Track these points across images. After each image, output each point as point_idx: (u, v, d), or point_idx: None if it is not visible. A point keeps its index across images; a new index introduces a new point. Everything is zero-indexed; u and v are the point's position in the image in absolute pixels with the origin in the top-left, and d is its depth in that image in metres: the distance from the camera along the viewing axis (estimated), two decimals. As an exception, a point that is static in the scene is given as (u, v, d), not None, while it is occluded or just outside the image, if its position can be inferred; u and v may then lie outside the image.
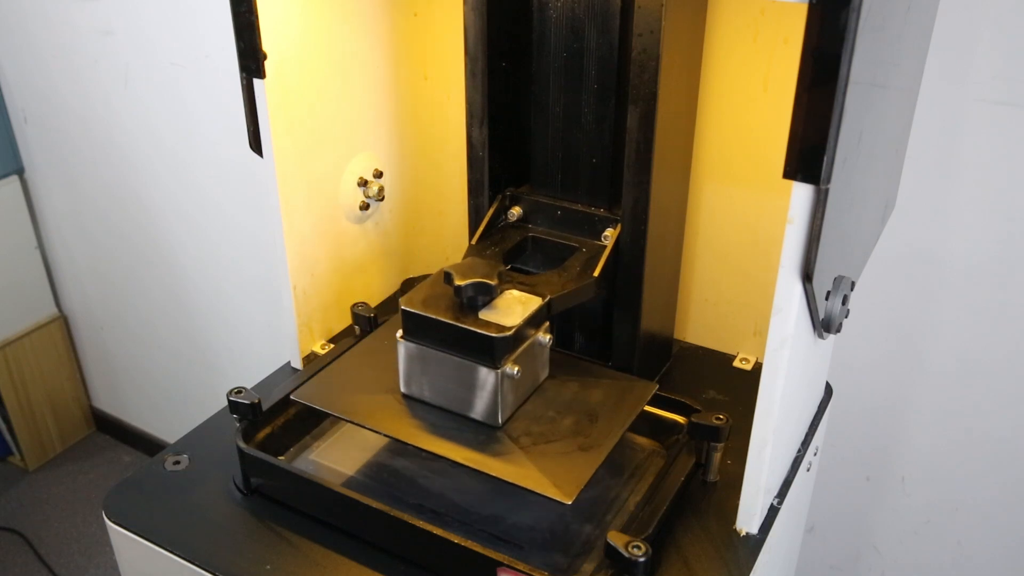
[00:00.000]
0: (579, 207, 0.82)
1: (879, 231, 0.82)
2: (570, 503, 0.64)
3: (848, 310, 0.64)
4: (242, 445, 0.72)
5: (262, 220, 1.50)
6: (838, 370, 1.00)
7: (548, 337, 0.73)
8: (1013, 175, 0.91)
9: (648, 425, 0.79)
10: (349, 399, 0.74)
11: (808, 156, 0.51)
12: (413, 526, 0.67)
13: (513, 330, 0.67)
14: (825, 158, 0.51)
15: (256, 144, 0.78)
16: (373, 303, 0.98)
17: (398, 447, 0.79)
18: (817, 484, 0.99)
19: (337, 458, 0.79)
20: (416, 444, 0.70)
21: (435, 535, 0.66)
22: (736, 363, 0.93)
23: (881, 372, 1.08)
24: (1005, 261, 0.95)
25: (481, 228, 0.82)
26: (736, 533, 0.69)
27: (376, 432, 0.72)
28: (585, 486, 0.65)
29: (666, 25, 0.69)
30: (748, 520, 0.69)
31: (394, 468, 0.78)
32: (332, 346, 0.91)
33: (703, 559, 0.67)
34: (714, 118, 0.85)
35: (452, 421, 0.71)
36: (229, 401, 0.75)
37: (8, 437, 2.04)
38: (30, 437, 2.05)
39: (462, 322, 0.68)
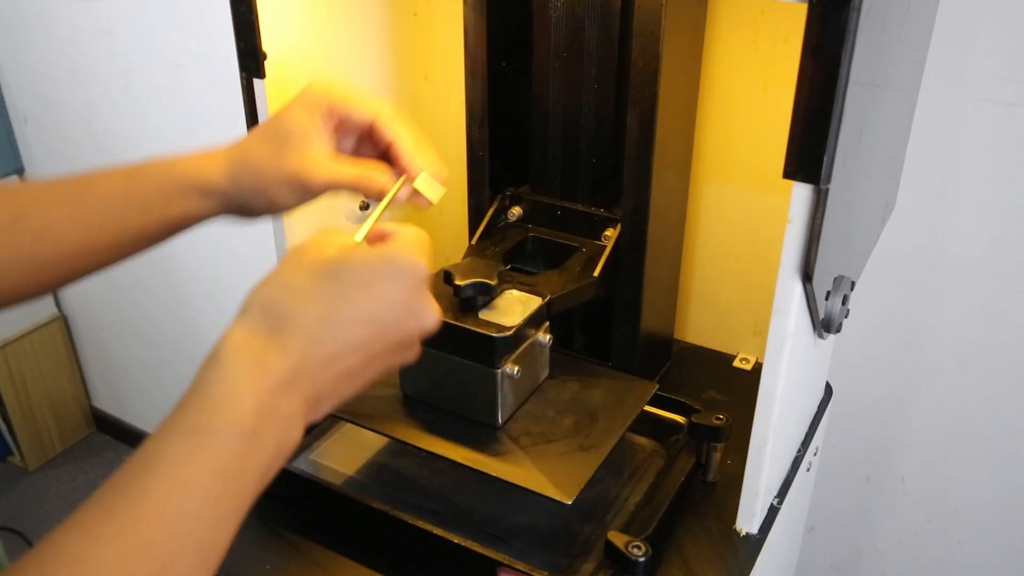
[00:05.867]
0: (579, 207, 0.82)
1: (879, 231, 0.82)
2: (570, 503, 0.64)
3: (848, 310, 0.64)
4: (242, 445, 0.72)
5: (262, 220, 1.50)
6: (838, 370, 1.00)
7: (548, 337, 0.73)
8: (1013, 175, 0.91)
9: (648, 425, 0.79)
10: (349, 399, 0.74)
11: (808, 156, 0.51)
12: (413, 526, 0.67)
13: (513, 330, 0.67)
14: (825, 158, 0.51)
15: (256, 144, 0.78)
16: (373, 303, 0.98)
17: (398, 447, 0.79)
18: (817, 484, 0.99)
19: (337, 458, 0.79)
20: (416, 444, 0.70)
21: (435, 535, 0.66)
22: (736, 363, 0.93)
23: (881, 372, 1.08)
24: (1005, 261, 0.95)
25: (481, 228, 0.82)
26: (736, 533, 0.69)
27: (376, 432, 0.72)
28: (585, 486, 0.65)
29: (666, 25, 0.69)
30: (748, 520, 0.69)
31: (394, 468, 0.78)
32: (332, 346, 0.90)
33: (703, 559, 0.67)
34: (714, 118, 0.85)
35: (452, 421, 0.71)
36: (229, 401, 0.75)
37: (8, 437, 2.04)
38: (30, 437, 2.05)
39: (462, 322, 0.68)
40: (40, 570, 0.35)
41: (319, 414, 0.46)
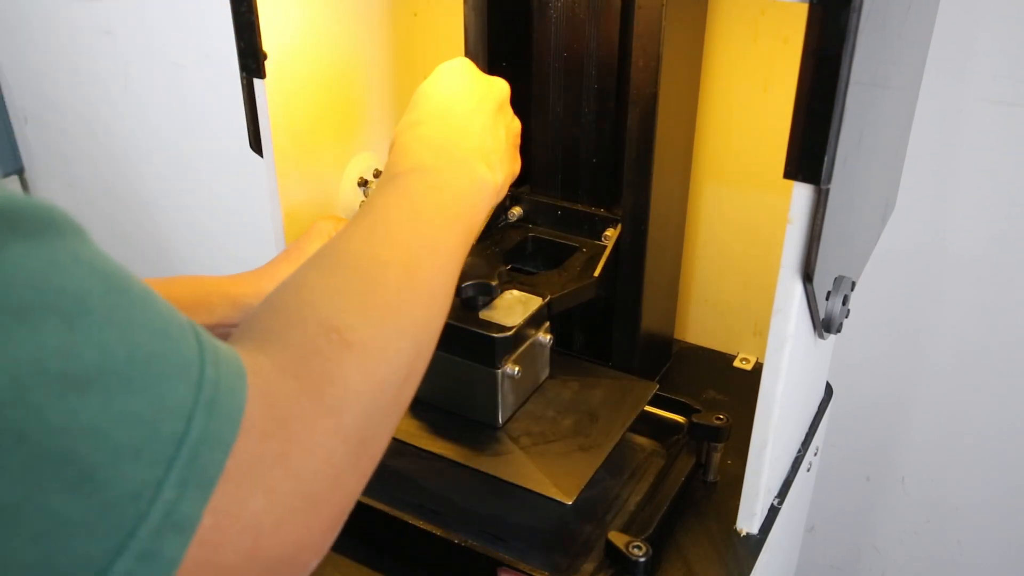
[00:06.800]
0: (579, 207, 0.82)
1: (879, 231, 0.82)
2: (570, 503, 0.64)
3: (848, 310, 0.64)
4: (242, 445, 0.72)
5: (263, 220, 1.50)
6: (838, 370, 1.00)
7: (548, 337, 0.73)
8: (1013, 175, 0.91)
9: (648, 425, 0.79)
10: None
11: (808, 156, 0.51)
12: (413, 526, 0.67)
13: (513, 330, 0.67)
14: (825, 158, 0.51)
15: (256, 144, 0.78)
16: (373, 303, 0.98)
17: (398, 447, 0.79)
18: (817, 484, 0.99)
19: (337, 458, 0.79)
20: (416, 444, 0.70)
21: (435, 535, 0.67)
22: (736, 363, 0.92)
23: (882, 372, 1.08)
24: (1005, 261, 0.95)
25: (481, 228, 0.82)
26: (736, 533, 0.69)
27: (376, 432, 0.72)
28: (585, 486, 0.65)
29: (666, 25, 0.69)
30: (748, 520, 0.69)
31: (394, 468, 0.77)
32: (332, 346, 0.90)
33: (703, 559, 0.67)
34: (714, 118, 0.85)
35: (452, 421, 0.71)
36: (229, 401, 0.75)
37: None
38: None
39: (462, 322, 0.68)
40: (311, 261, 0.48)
41: (489, 163, 0.60)
